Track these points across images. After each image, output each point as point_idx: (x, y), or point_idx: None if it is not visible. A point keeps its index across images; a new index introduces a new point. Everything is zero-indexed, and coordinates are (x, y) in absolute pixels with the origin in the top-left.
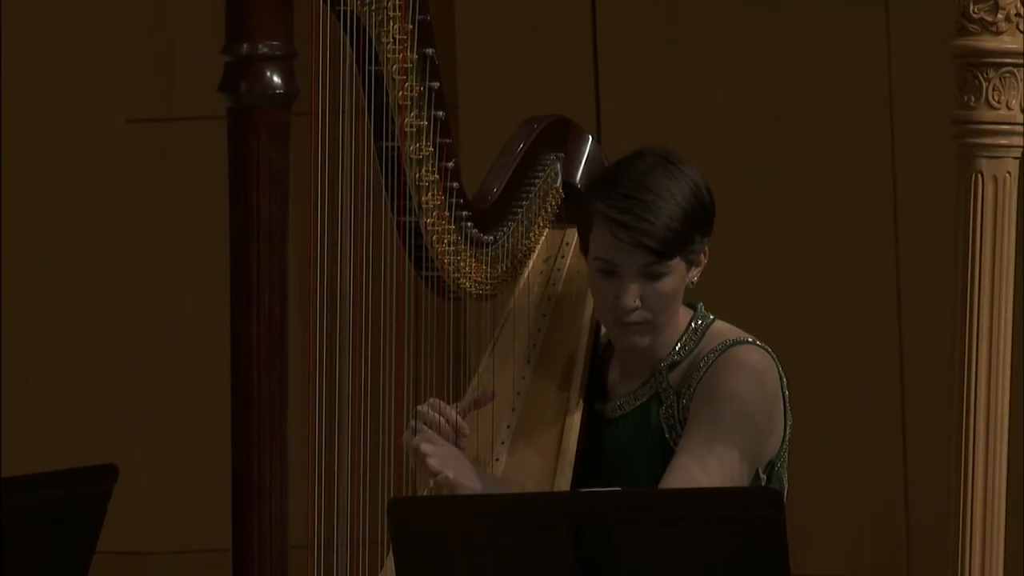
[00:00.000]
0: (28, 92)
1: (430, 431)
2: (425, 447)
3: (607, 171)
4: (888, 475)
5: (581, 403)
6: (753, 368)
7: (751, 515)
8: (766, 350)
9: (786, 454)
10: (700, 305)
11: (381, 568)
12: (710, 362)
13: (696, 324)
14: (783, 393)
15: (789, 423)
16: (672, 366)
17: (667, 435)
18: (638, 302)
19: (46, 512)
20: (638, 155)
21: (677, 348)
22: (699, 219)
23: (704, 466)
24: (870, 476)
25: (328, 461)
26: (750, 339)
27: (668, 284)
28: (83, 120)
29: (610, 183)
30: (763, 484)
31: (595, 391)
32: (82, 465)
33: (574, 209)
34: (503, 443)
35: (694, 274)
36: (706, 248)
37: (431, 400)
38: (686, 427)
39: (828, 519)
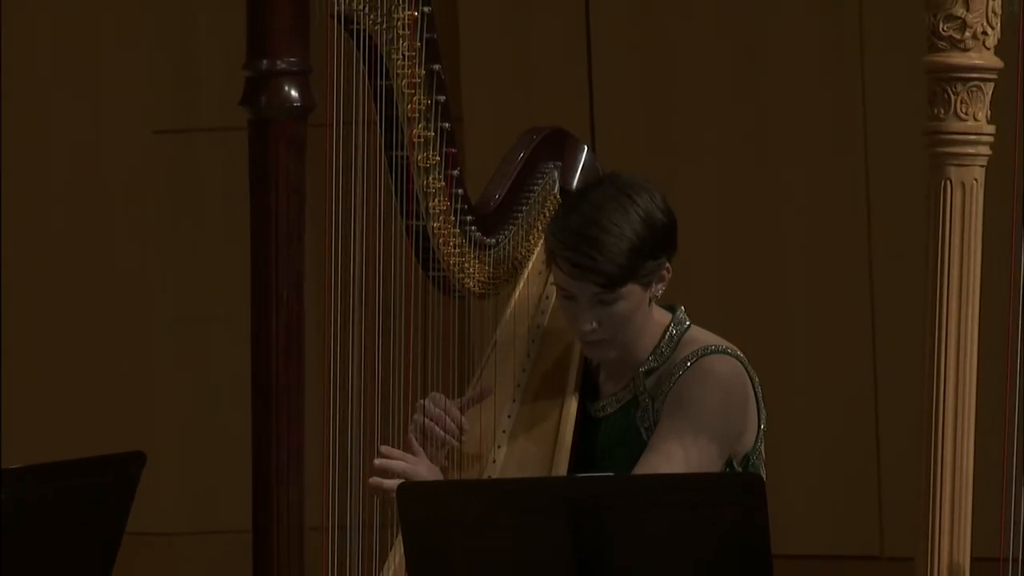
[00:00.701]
0: (61, 105)
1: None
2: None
3: (566, 202)
4: (862, 460)
5: (575, 398)
6: (721, 376)
7: (736, 498)
8: (736, 357)
9: (762, 447)
10: (680, 309)
11: (391, 548)
12: (681, 371)
13: (673, 332)
14: (755, 394)
15: (763, 421)
16: (649, 372)
17: (644, 436)
18: (595, 324)
19: (79, 496)
20: (595, 186)
21: (652, 356)
22: (648, 247)
23: (670, 463)
24: (845, 461)
25: (341, 448)
26: (722, 347)
27: (622, 307)
28: (114, 131)
29: (563, 218)
30: (743, 472)
31: (587, 391)
32: (113, 451)
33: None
34: (504, 431)
35: (656, 289)
36: (667, 264)
37: (433, 394)
38: (656, 428)
39: (806, 502)
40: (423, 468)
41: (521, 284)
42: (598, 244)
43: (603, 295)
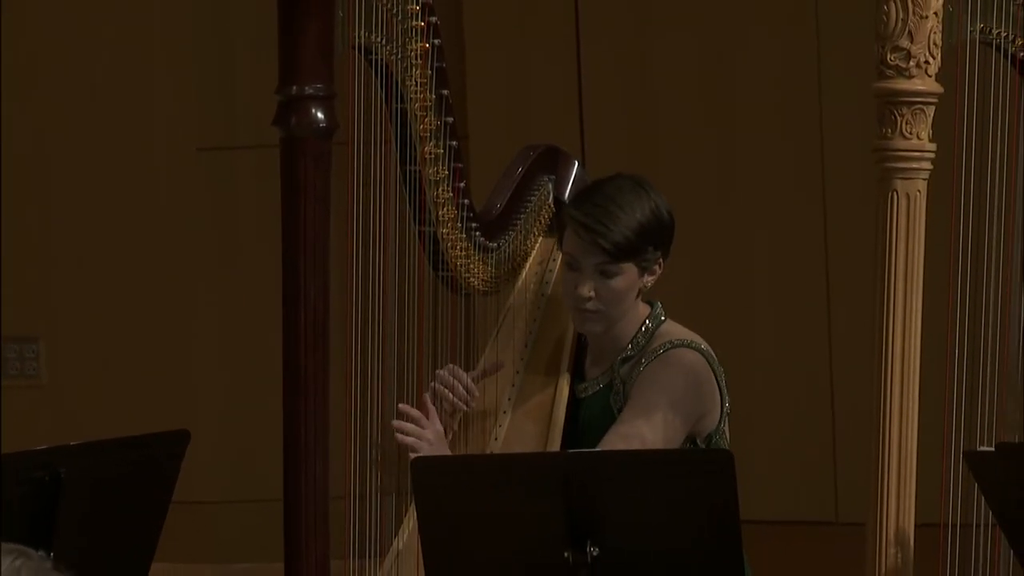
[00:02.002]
0: (117, 124)
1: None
2: (405, 439)
3: (588, 186)
4: (818, 437)
5: (567, 383)
6: (683, 367)
7: (709, 471)
8: (700, 351)
9: (725, 427)
10: (658, 304)
11: (406, 514)
12: (650, 360)
13: (649, 324)
14: (718, 383)
15: (726, 405)
16: (624, 360)
17: (616, 416)
18: (592, 293)
19: (132, 468)
20: (616, 176)
21: (630, 345)
22: (653, 233)
23: (628, 439)
24: (803, 438)
25: (362, 426)
26: (687, 341)
27: (620, 283)
28: (162, 148)
29: (585, 194)
30: (714, 448)
31: (575, 373)
32: (161, 428)
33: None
34: (505, 412)
35: (648, 280)
36: (661, 260)
37: (449, 366)
38: (624, 408)
39: (769, 474)
40: (430, 433)
41: (520, 283)
42: (614, 217)
43: (605, 266)
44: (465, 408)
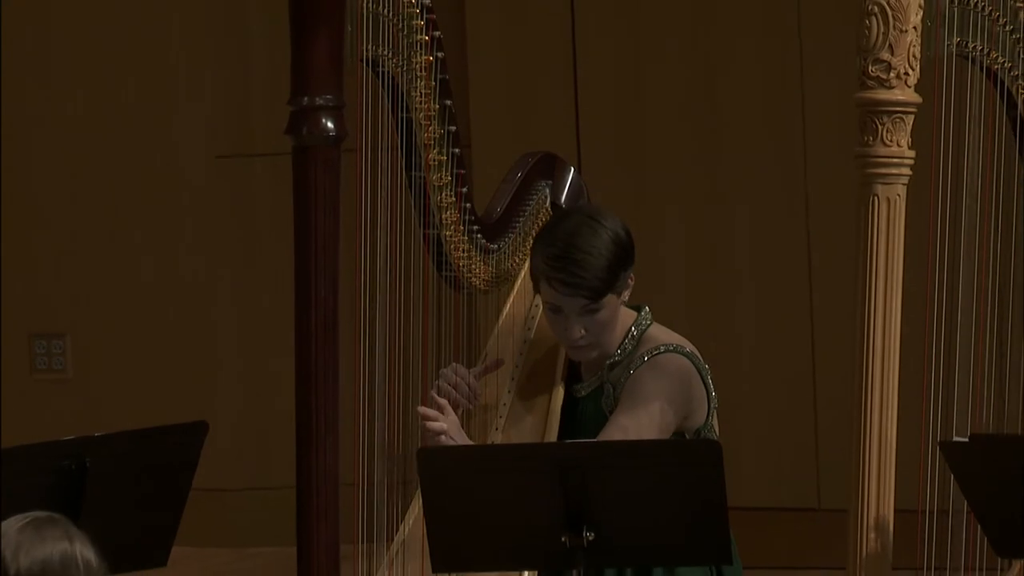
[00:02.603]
0: (141, 134)
1: (435, 412)
2: (433, 424)
3: (545, 231)
4: (802, 428)
5: (562, 379)
6: (668, 371)
7: (698, 460)
8: (685, 354)
9: (714, 421)
10: (644, 308)
11: (412, 501)
12: (636, 365)
13: (634, 331)
14: (704, 382)
15: (714, 402)
16: (613, 365)
17: (607, 417)
18: (583, 331)
19: (154, 457)
20: (568, 215)
21: (619, 352)
22: (620, 262)
23: (623, 434)
24: (788, 430)
25: (369, 418)
26: (673, 346)
27: (603, 315)
28: (184, 155)
29: (548, 241)
30: (704, 439)
31: (572, 373)
32: (183, 419)
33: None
34: (505, 404)
35: (624, 295)
36: (631, 274)
37: (453, 364)
38: (615, 409)
39: (755, 463)
40: (451, 424)
41: (519, 282)
42: (583, 265)
43: (589, 306)
44: (468, 405)
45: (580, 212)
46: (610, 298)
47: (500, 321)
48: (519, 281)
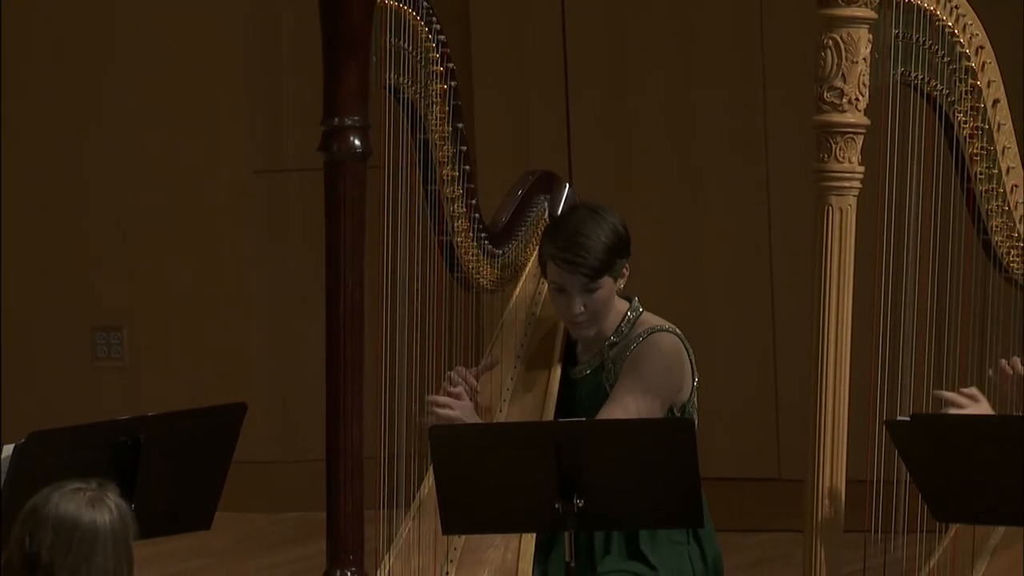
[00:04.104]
0: (186, 150)
1: (452, 399)
2: (442, 411)
3: (554, 222)
4: (765, 408)
5: (559, 365)
6: (663, 349)
7: (674, 437)
8: (675, 334)
9: (695, 398)
10: (635, 299)
11: (426, 472)
12: (635, 344)
13: (630, 315)
14: (690, 361)
15: (696, 380)
16: (612, 345)
17: (607, 391)
18: (583, 308)
19: (199, 434)
20: (574, 210)
21: (615, 334)
22: (617, 248)
23: (624, 409)
24: (752, 408)
25: (390, 399)
26: (665, 327)
27: (602, 294)
28: (224, 170)
29: (555, 230)
30: (679, 418)
31: (568, 358)
32: (229, 400)
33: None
34: (508, 389)
35: (620, 283)
36: (627, 264)
37: (457, 368)
38: (615, 386)
39: (723, 437)
40: (468, 411)
41: (520, 283)
42: (585, 247)
43: (589, 284)
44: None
45: (585, 207)
46: (607, 280)
47: (504, 317)
48: (521, 280)
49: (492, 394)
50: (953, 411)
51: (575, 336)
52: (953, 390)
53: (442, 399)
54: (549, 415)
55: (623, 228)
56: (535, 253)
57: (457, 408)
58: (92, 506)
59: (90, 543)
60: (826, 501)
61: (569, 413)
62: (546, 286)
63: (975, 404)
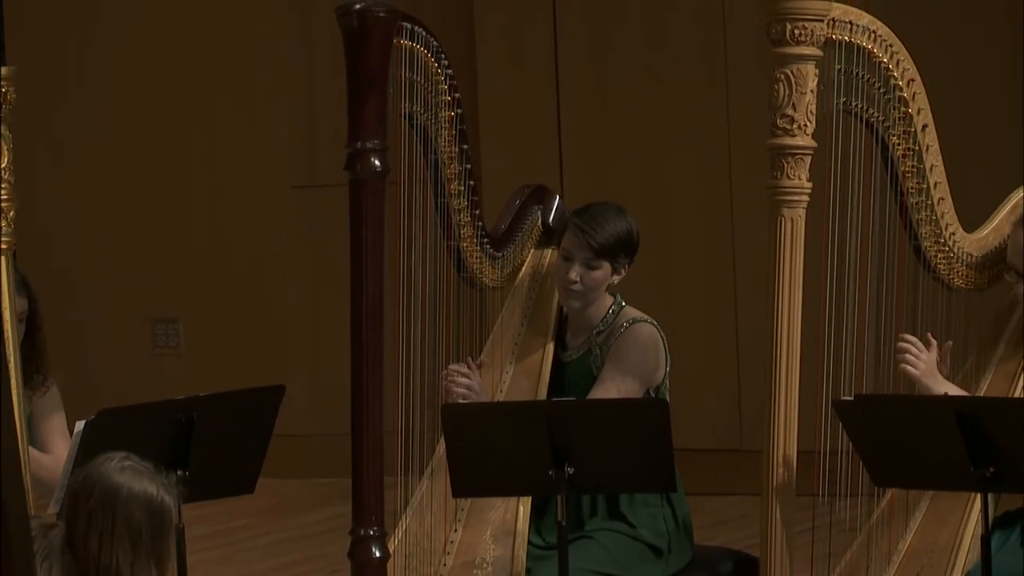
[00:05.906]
0: (229, 166)
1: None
2: (459, 390)
3: (588, 205)
4: (728, 385)
5: (551, 351)
6: (643, 338)
7: (651, 414)
8: (654, 325)
9: (668, 381)
10: (618, 295)
11: (437, 444)
12: (618, 333)
13: (614, 308)
14: (664, 349)
15: (668, 365)
16: (598, 333)
17: (595, 373)
18: (578, 279)
19: (244, 412)
20: (607, 203)
21: (602, 322)
22: (625, 244)
23: (608, 391)
24: (717, 387)
25: (407, 383)
26: (644, 318)
27: (598, 274)
28: (265, 186)
29: (584, 209)
30: (654, 397)
31: (560, 344)
32: (272, 382)
33: (553, 234)
34: (508, 372)
35: (615, 278)
36: (627, 266)
37: (466, 358)
38: (602, 369)
39: (691, 411)
40: (477, 385)
41: (518, 281)
42: (601, 226)
43: (591, 260)
44: (469, 393)
45: (615, 205)
46: (606, 265)
47: (503, 311)
48: (519, 279)
49: (493, 378)
50: (912, 355)
51: (563, 303)
52: (889, 374)
53: (463, 368)
54: (543, 394)
55: (637, 235)
56: (531, 255)
57: (473, 378)
58: (139, 476)
59: (113, 502)
60: (780, 469)
61: (560, 392)
62: (541, 285)
63: (926, 353)
